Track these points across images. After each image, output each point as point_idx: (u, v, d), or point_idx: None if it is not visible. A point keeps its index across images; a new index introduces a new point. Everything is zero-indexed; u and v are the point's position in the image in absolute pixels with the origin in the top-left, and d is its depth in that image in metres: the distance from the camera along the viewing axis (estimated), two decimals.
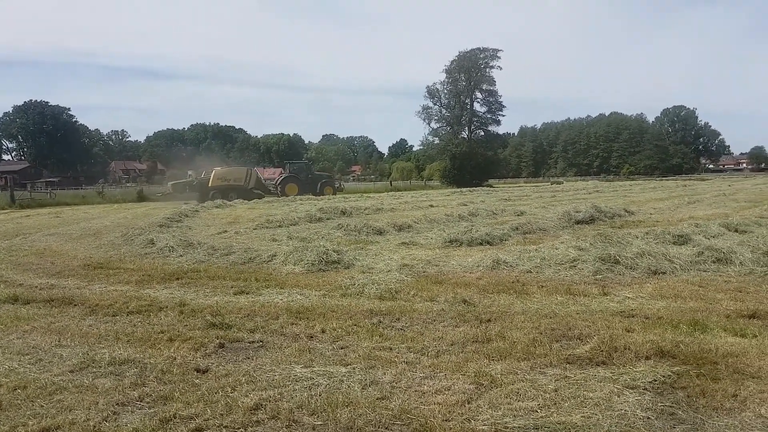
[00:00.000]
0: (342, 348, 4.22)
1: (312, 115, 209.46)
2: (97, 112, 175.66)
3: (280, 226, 13.91)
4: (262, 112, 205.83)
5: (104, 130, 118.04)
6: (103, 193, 36.59)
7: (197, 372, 3.75)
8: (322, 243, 8.94)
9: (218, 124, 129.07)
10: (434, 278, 6.87)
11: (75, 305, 5.78)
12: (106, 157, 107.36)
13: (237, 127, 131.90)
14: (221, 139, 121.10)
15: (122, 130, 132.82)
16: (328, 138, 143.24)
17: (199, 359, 4.02)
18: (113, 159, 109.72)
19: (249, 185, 31.87)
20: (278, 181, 34.25)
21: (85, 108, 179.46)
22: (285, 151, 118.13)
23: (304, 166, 37.33)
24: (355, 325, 4.82)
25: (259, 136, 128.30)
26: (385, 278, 6.69)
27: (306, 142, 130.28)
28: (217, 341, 4.38)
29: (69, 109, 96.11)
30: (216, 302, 5.79)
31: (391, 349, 4.17)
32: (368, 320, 4.97)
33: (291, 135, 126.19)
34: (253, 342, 4.43)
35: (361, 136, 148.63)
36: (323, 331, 4.64)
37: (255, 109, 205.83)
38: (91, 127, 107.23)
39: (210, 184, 30.41)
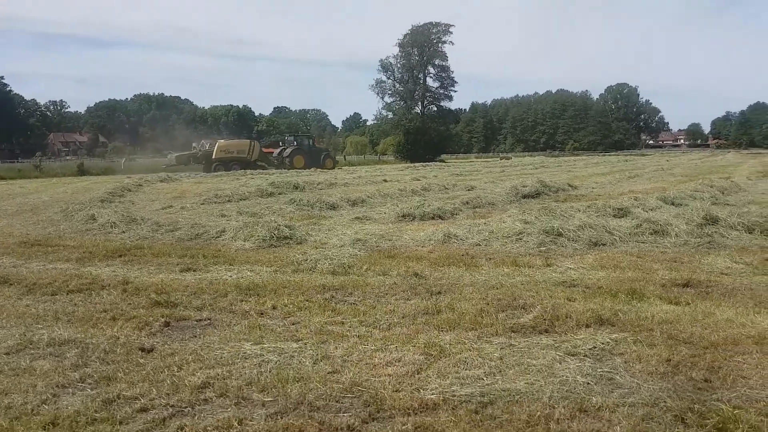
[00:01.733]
0: (293, 324, 4.18)
1: (263, 87, 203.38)
2: (34, 81, 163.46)
3: (229, 200, 13.64)
4: (209, 83, 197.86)
5: (41, 101, 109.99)
6: (41, 166, 34.39)
7: (142, 351, 3.62)
8: (273, 218, 8.83)
9: (163, 94, 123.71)
10: (387, 252, 6.92)
11: (11, 284, 5.44)
12: (44, 128, 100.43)
13: (183, 97, 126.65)
14: (166, 110, 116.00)
15: (61, 100, 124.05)
16: (279, 110, 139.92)
17: (143, 338, 3.88)
18: (52, 131, 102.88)
19: (252, 157, 32.79)
20: (286, 154, 34.68)
21: (21, 77, 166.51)
22: (234, 123, 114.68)
23: (307, 140, 38.13)
24: (307, 300, 4.78)
25: (206, 108, 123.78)
26: (338, 253, 6.68)
27: (256, 114, 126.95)
28: (163, 320, 4.25)
29: (2, 78, 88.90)
30: (161, 280, 5.62)
31: (343, 323, 4.16)
32: (320, 295, 4.94)
33: (240, 107, 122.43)
34: (200, 320, 4.31)
35: (314, 110, 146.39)
36: (274, 308, 4.58)
37: (202, 80, 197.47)
38: (27, 97, 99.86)
39: (213, 156, 31.14)
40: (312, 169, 31.51)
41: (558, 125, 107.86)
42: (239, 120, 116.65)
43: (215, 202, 13.35)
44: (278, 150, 36.46)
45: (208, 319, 4.33)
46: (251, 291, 5.12)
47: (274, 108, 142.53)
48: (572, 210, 9.11)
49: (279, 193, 15.33)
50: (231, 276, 5.80)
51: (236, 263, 6.45)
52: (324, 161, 36.21)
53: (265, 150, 35.43)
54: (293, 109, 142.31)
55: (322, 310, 4.48)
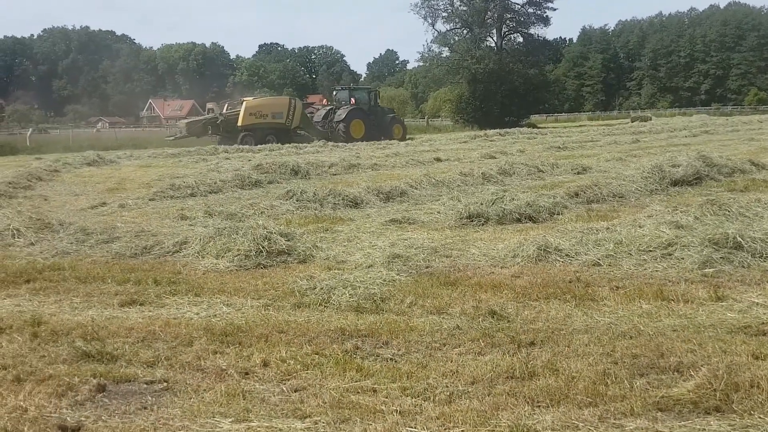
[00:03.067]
0: (296, 391, 4.24)
1: (241, 16, 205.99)
2: None
3: (192, 194, 13.97)
4: (158, 9, 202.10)
5: None
6: None
7: None
8: (261, 222, 8.96)
9: (88, 28, 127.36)
10: (444, 277, 6.91)
11: None
12: None
13: (118, 33, 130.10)
14: (93, 52, 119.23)
15: None
16: (268, 50, 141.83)
17: (65, 411, 3.99)
18: None
19: (292, 123, 35.46)
20: (340, 117, 37.76)
21: None
22: (198, 70, 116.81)
23: (368, 96, 40.54)
24: (318, 353, 4.84)
25: (155, 48, 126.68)
26: (365, 278, 6.72)
27: (233, 57, 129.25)
28: (95, 381, 4.36)
29: None
30: (91, 319, 5.75)
31: (375, 391, 4.20)
32: (338, 346, 4.98)
33: (208, 46, 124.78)
34: (152, 382, 4.42)
35: (322, 47, 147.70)
36: (265, 365, 4.65)
37: (147, 5, 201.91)
38: None
39: (240, 122, 34.84)
40: (324, 144, 32.31)
41: (731, 62, 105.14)
42: (206, 65, 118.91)
43: (171, 197, 13.68)
44: (323, 111, 38.94)
45: (164, 382, 4.42)
46: (230, 338, 5.20)
47: (260, 47, 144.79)
48: (759, 205, 8.97)
49: (269, 182, 15.53)
50: (198, 313, 5.89)
51: (205, 293, 6.54)
52: (391, 128, 38.70)
53: None
54: (289, 48, 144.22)
55: (341, 370, 4.52)
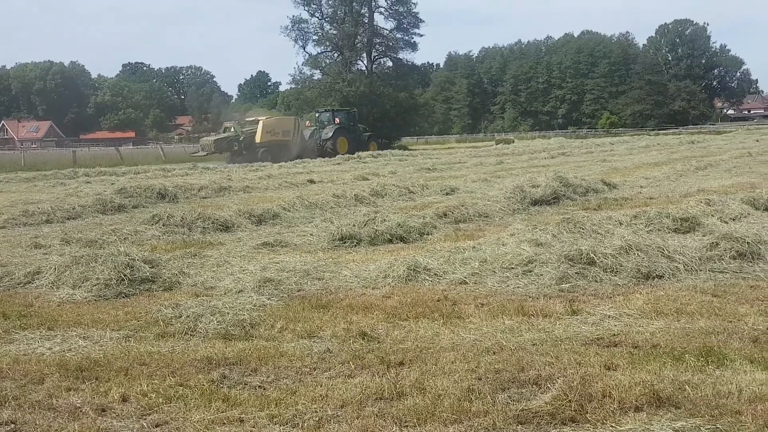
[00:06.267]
0: (157, 425, 4.11)
1: (104, 34, 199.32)
2: None
3: (48, 220, 13.47)
4: (9, 26, 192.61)
5: None
6: None
7: None
8: (123, 249, 8.68)
9: None
10: (315, 300, 6.91)
11: None
12: None
13: None
14: None
15: None
16: (132, 69, 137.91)
17: None
18: None
19: (296, 140, 40.24)
20: (327, 135, 42.36)
21: None
22: (57, 90, 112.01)
23: (348, 116, 46.27)
24: (182, 384, 4.71)
25: (8, 67, 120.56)
26: (235, 304, 6.62)
27: (94, 76, 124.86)
28: None
29: None
30: None
31: (242, 420, 4.12)
32: (204, 376, 4.87)
33: (67, 65, 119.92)
34: None
35: (191, 67, 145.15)
36: (124, 400, 4.49)
37: None
38: None
39: (258, 139, 38.58)
40: (193, 166, 32.60)
41: (584, 88, 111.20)
42: (65, 85, 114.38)
43: (24, 224, 13.12)
44: (308, 132, 42.57)
45: (12, 423, 4.18)
46: (85, 373, 4.99)
47: (124, 66, 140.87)
48: (610, 222, 9.43)
49: (133, 207, 15.14)
50: (51, 348, 5.64)
51: (60, 326, 6.27)
52: (368, 144, 43.83)
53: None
54: (155, 68, 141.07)
55: (206, 401, 4.41)
